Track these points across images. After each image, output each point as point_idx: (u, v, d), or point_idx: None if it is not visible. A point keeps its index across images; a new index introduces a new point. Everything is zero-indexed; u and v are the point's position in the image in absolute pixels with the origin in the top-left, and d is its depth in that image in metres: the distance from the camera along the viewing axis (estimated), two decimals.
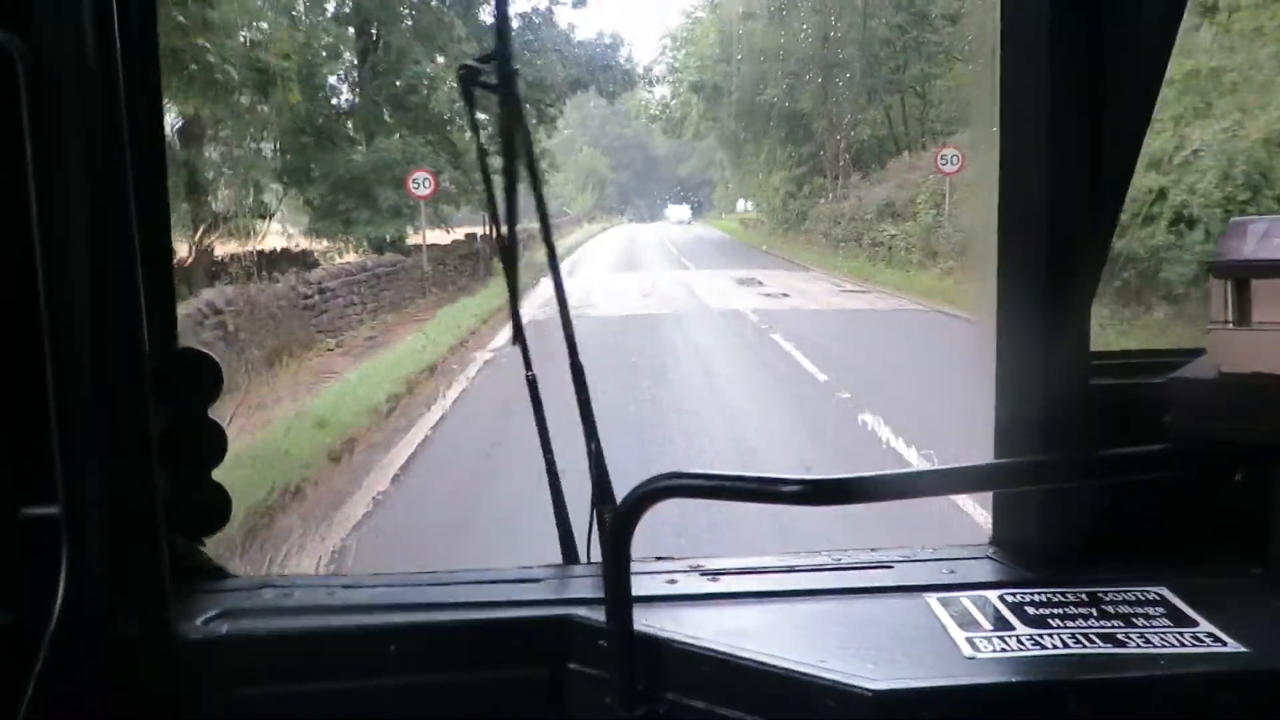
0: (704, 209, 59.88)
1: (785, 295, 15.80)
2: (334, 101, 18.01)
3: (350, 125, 18.88)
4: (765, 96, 28.51)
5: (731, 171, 43.08)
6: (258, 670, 0.95)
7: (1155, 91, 0.96)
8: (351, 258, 17.75)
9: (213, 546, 1.07)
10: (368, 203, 17.93)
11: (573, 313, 1.10)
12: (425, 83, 18.79)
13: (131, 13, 0.89)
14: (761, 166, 32.51)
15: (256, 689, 0.94)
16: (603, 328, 11.61)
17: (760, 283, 17.80)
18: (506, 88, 1.02)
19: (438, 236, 20.81)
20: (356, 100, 19.03)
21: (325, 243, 17.88)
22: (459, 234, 21.56)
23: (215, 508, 1.05)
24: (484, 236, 23.50)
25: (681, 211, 53.83)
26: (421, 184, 17.92)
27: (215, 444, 1.03)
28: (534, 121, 22.72)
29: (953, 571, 1.02)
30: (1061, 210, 0.96)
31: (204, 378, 1.02)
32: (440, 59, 18.66)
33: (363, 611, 0.98)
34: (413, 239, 19.35)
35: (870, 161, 24.00)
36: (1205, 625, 0.88)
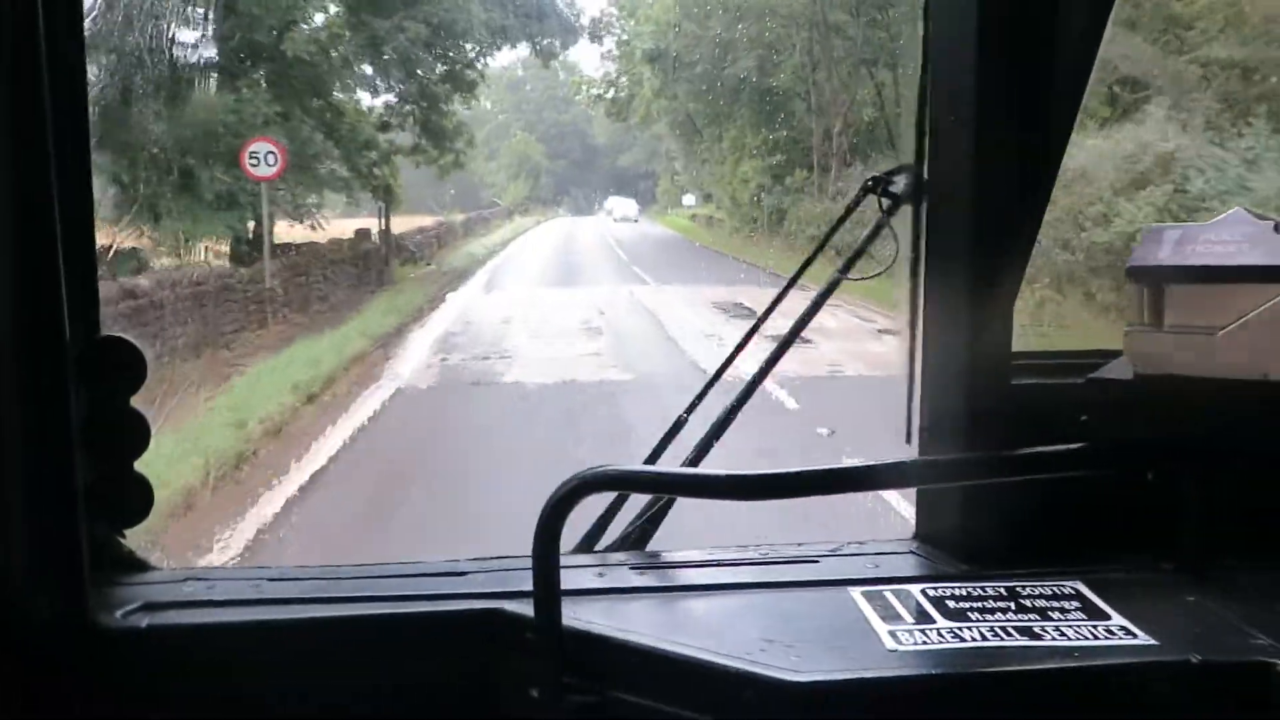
0: (646, 203, 60.25)
1: (807, 341, 10.57)
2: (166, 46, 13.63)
3: (190, 78, 13.95)
4: (733, 69, 26.41)
5: (684, 161, 42.60)
6: (179, 663, 1.04)
7: (1080, 96, 1.11)
8: (168, 263, 12.99)
9: (134, 538, 1.20)
10: (187, 186, 13.09)
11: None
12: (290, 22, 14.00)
13: None
14: (725, 154, 31.09)
15: (178, 682, 1.03)
16: (521, 420, 7.40)
17: (750, 309, 13.65)
18: None
19: (302, 235, 15.94)
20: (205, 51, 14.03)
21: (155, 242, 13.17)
22: (344, 227, 17.21)
23: (137, 498, 1.12)
24: (381, 233, 18.75)
25: (627, 206, 51.12)
26: (263, 160, 13.22)
27: (138, 434, 1.11)
28: (445, 85, 18.00)
29: (877, 566, 1.14)
30: (985, 211, 1.11)
31: (127, 366, 1.09)
32: None
33: (288, 605, 1.07)
34: (288, 234, 15.22)
35: (872, 150, 20.53)
36: (1118, 619, 1.01)
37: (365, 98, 19.63)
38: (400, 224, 24.11)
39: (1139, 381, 1.09)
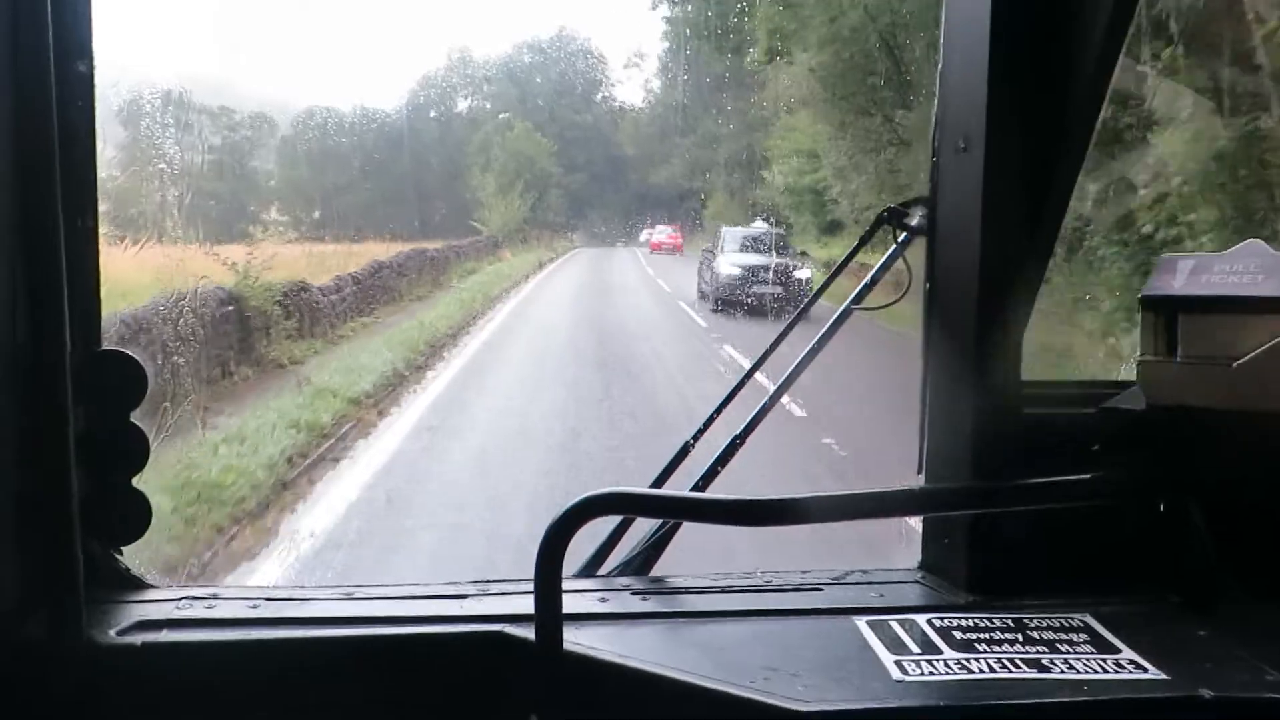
0: (688, 231, 57.49)
1: None
2: None
3: None
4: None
5: (835, 158, 25.46)
6: (174, 683, 1.22)
7: (1091, 128, 1.36)
8: None
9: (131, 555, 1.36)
10: None
11: None
12: None
13: (64, 6, 1.20)
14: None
15: (172, 701, 1.21)
16: None
17: None
18: None
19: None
20: None
21: None
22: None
23: (135, 515, 1.33)
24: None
25: (751, 234, 23.84)
26: None
27: (137, 450, 1.31)
28: None
29: (882, 595, 1.37)
30: (995, 242, 1.34)
31: (127, 381, 1.30)
32: None
33: (286, 625, 1.27)
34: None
35: None
36: (1127, 652, 1.22)
37: None
38: (337, 257, 19.77)
39: (1151, 412, 1.32)
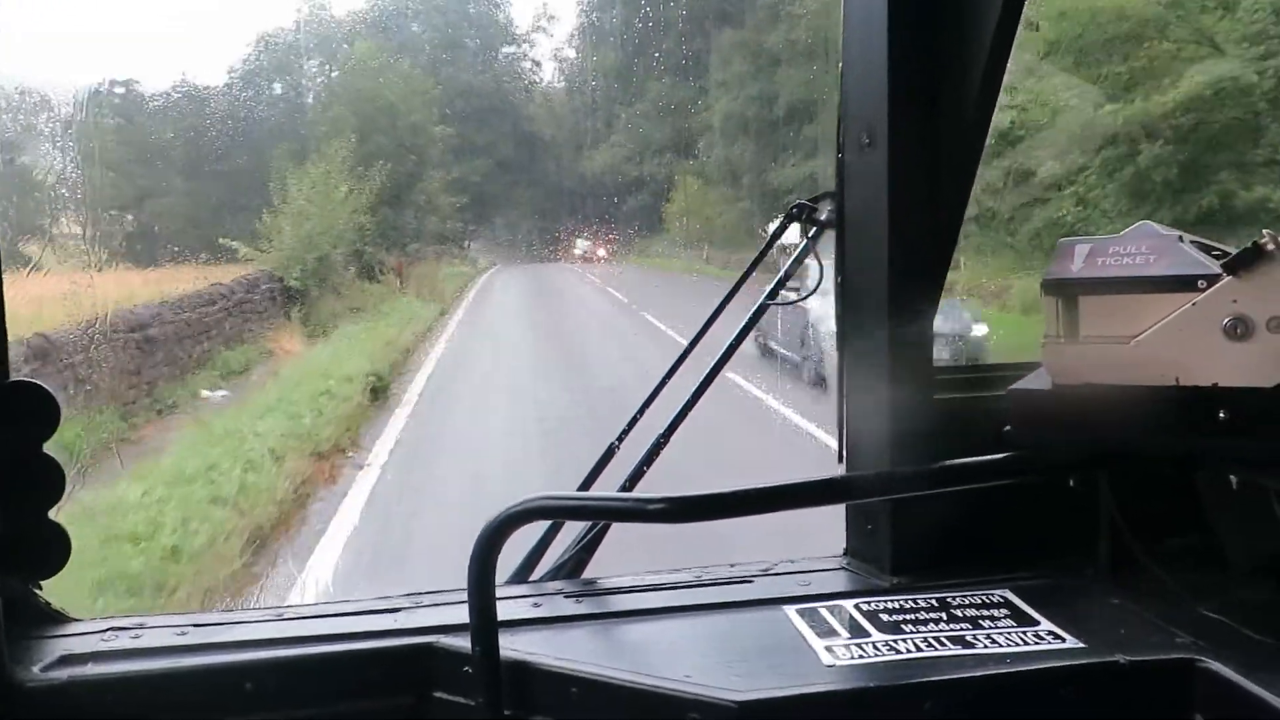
0: (631, 242, 54.11)
1: None
2: None
3: None
4: None
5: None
6: (102, 717, 1.54)
7: (987, 120, 1.85)
8: None
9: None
10: None
11: None
12: None
13: None
14: None
15: None
16: None
17: None
18: None
19: None
20: None
21: None
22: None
23: (54, 548, 1.65)
24: None
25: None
26: None
27: (52, 481, 1.64)
28: None
29: (809, 583, 1.86)
30: (900, 234, 1.84)
31: (39, 411, 1.63)
32: None
33: (216, 650, 1.63)
34: None
35: None
36: (1046, 624, 1.69)
37: None
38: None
39: (1056, 392, 1.78)
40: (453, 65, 62.45)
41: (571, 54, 71.43)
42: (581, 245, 55.75)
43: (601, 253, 51.00)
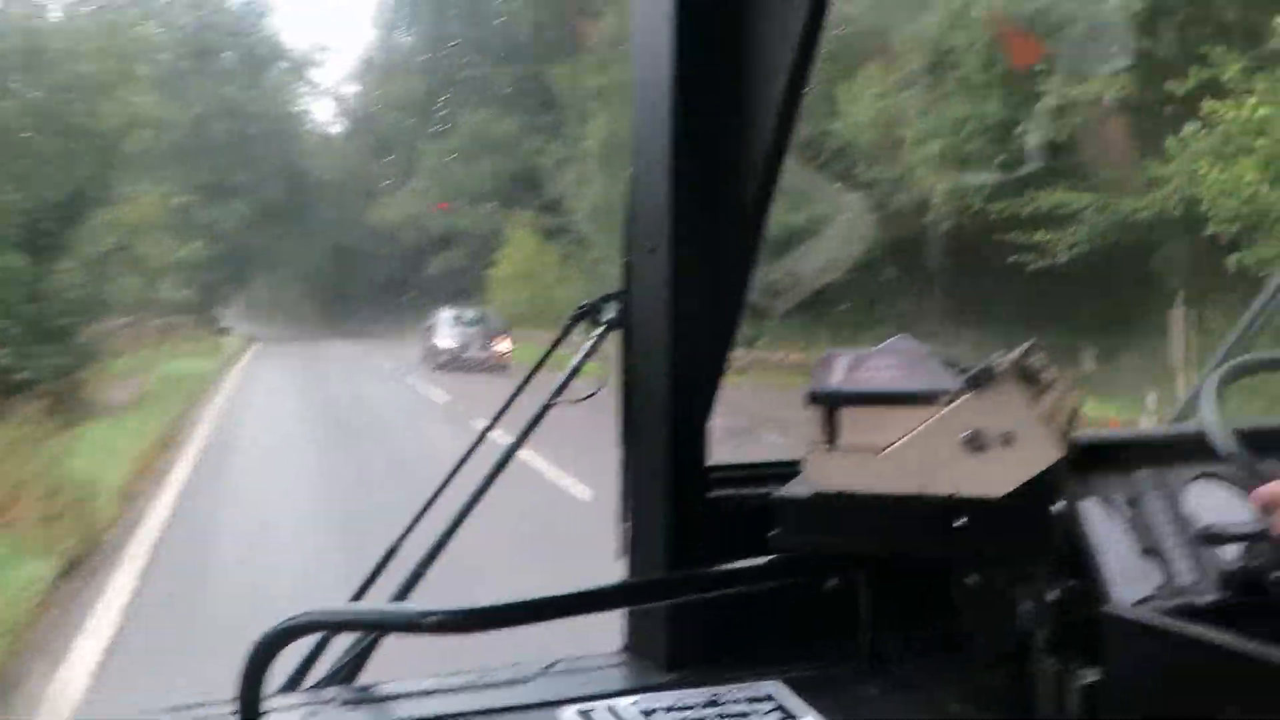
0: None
1: None
2: None
3: None
4: None
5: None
6: None
7: (760, 228, 2.21)
8: None
9: None
10: None
11: None
12: None
13: None
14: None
15: None
16: None
17: None
18: None
19: None
20: None
21: None
22: None
23: None
24: None
25: None
26: None
27: None
28: None
29: (588, 681, 2.13)
30: (679, 336, 2.18)
31: None
32: None
33: None
34: None
35: None
36: (811, 715, 2.00)
37: None
38: None
39: (817, 498, 2.13)
40: (201, 75, 55.58)
41: (356, 87, 67.56)
42: (452, 327, 36.81)
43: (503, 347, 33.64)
